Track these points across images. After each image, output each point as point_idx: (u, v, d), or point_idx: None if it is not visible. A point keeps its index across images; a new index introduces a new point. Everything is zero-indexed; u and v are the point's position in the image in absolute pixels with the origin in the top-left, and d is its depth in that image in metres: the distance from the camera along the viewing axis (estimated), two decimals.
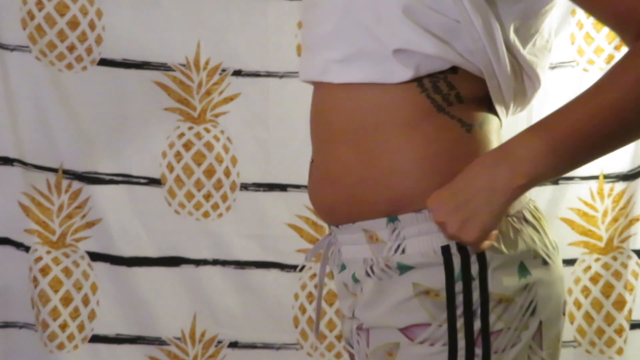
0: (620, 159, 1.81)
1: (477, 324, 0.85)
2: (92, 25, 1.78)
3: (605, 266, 1.85)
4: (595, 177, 1.82)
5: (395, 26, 0.85)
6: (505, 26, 0.87)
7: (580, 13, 1.75)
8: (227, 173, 1.84)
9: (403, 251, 0.88)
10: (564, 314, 0.97)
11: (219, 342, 1.89)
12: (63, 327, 1.86)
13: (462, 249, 0.85)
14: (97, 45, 1.78)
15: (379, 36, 0.87)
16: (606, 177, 1.82)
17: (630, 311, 1.85)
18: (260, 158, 1.83)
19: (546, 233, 0.95)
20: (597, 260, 1.85)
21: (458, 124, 0.89)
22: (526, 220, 0.92)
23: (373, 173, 0.89)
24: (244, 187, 1.85)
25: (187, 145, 1.83)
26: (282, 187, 1.84)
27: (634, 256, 1.84)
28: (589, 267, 1.86)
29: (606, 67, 1.76)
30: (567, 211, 1.83)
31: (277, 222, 1.84)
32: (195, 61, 1.81)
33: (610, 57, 1.76)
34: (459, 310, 0.85)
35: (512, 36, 0.88)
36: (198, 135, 1.83)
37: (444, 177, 0.85)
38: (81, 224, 1.85)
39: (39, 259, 1.83)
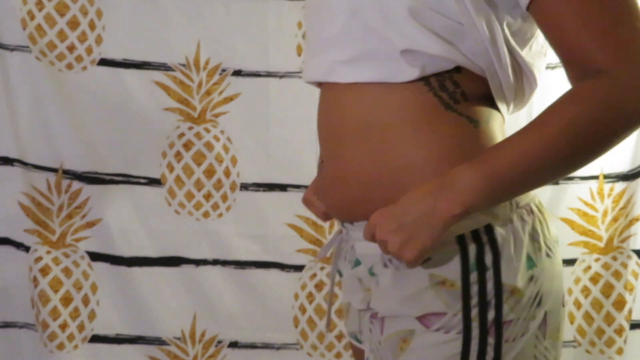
0: (620, 159, 1.81)
1: (490, 314, 0.88)
2: (92, 25, 1.78)
3: (605, 266, 1.85)
4: (595, 177, 1.82)
5: (402, 27, 0.88)
6: (505, 29, 0.90)
7: None
8: (227, 173, 1.84)
9: None
10: (563, 305, 1.01)
11: (219, 342, 1.89)
12: (63, 327, 1.86)
13: (477, 238, 0.89)
14: (97, 45, 1.79)
15: (387, 37, 0.90)
16: (606, 177, 1.82)
17: (630, 311, 1.85)
18: (260, 158, 1.83)
19: (548, 226, 0.98)
20: (597, 260, 1.85)
21: (466, 120, 0.92)
22: (532, 213, 0.95)
23: (387, 171, 0.93)
24: (244, 187, 1.85)
25: (187, 145, 1.83)
26: (282, 187, 1.84)
27: (634, 256, 1.84)
28: (589, 267, 1.86)
29: None
30: (567, 211, 1.83)
31: (277, 222, 1.84)
32: (195, 61, 1.81)
33: None
34: (474, 300, 0.88)
35: (511, 39, 0.91)
36: (198, 135, 1.83)
37: None
38: (81, 224, 1.85)
39: (39, 259, 1.83)
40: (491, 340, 0.88)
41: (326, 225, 1.84)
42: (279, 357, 1.88)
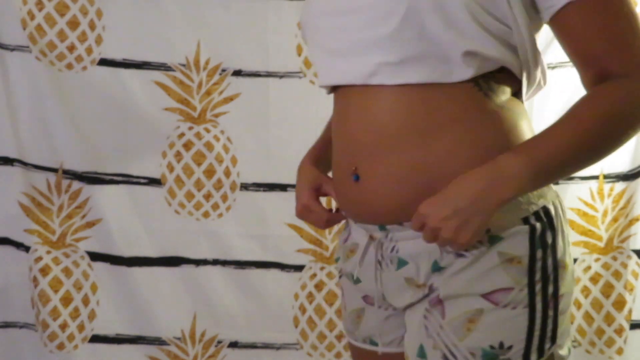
0: (620, 159, 1.81)
1: (550, 288, 0.97)
2: (92, 25, 1.78)
3: (605, 266, 1.85)
4: (595, 177, 1.82)
5: (464, 30, 0.93)
6: (534, 33, 1.00)
7: None
8: (227, 173, 1.84)
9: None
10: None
11: (219, 342, 1.89)
12: (63, 327, 1.86)
13: (539, 218, 0.97)
14: (97, 45, 1.79)
15: (446, 39, 0.94)
16: (606, 177, 1.82)
17: (630, 311, 1.85)
18: (260, 158, 1.83)
19: (564, 210, 1.06)
20: (597, 260, 1.85)
21: (513, 116, 1.00)
22: (557, 196, 1.05)
23: (446, 170, 0.95)
24: (244, 187, 1.85)
25: (187, 145, 1.83)
26: (282, 187, 1.84)
27: (634, 256, 1.84)
28: (589, 267, 1.86)
29: None
30: (568, 211, 1.82)
31: (277, 222, 1.84)
32: (195, 61, 1.81)
33: None
34: (537, 276, 0.96)
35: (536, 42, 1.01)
36: (198, 135, 1.83)
37: None
38: (81, 224, 1.85)
39: (39, 259, 1.83)
40: (551, 312, 0.97)
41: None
42: (279, 357, 1.88)
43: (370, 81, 0.98)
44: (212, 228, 1.85)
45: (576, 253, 1.86)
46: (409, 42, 0.95)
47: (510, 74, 1.00)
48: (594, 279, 1.86)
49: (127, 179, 1.84)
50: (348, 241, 1.15)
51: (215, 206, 1.85)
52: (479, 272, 0.96)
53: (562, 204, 1.03)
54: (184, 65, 1.80)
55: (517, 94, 1.03)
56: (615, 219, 1.84)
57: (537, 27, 0.99)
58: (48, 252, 1.84)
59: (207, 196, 1.84)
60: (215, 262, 1.86)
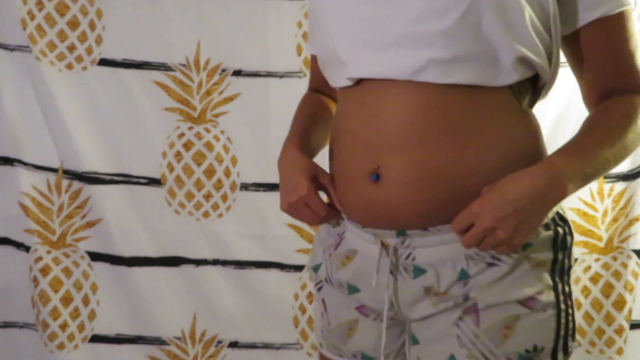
0: None
1: (567, 288, 1.01)
2: (92, 25, 1.78)
3: (605, 266, 1.85)
4: None
5: (522, 35, 0.94)
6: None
7: None
8: (227, 173, 1.84)
9: None
10: None
11: (219, 342, 1.89)
12: (63, 327, 1.86)
13: (558, 223, 1.00)
14: (97, 45, 1.79)
15: (501, 42, 0.93)
16: (606, 177, 1.82)
17: (630, 311, 1.85)
18: (260, 158, 1.83)
19: None
20: (597, 260, 1.85)
21: (535, 122, 1.02)
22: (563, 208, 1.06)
23: (481, 171, 0.95)
24: (244, 187, 1.85)
25: (187, 145, 1.83)
26: None
27: (634, 256, 1.84)
28: (589, 267, 1.86)
29: None
30: (567, 211, 1.82)
31: (277, 222, 1.84)
32: (195, 61, 1.81)
33: None
34: (557, 277, 1.00)
35: None
36: (198, 135, 1.83)
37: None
38: (81, 224, 1.85)
39: (39, 259, 1.83)
40: (570, 311, 1.00)
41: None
42: (279, 357, 1.88)
43: (416, 77, 0.94)
44: (212, 228, 1.85)
45: (576, 253, 1.85)
46: (464, 40, 0.93)
47: (532, 81, 1.01)
48: (594, 279, 1.86)
49: (127, 179, 1.84)
50: (340, 248, 1.08)
51: (215, 206, 1.85)
52: (515, 279, 0.97)
53: (563, 207, 1.04)
54: (184, 65, 1.80)
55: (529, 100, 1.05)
56: (615, 219, 1.84)
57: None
58: (48, 252, 1.84)
59: (207, 196, 1.84)
60: (215, 262, 1.86)
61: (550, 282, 0.99)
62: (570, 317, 1.00)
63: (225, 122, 1.83)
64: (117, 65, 1.79)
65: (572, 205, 1.83)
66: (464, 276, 0.97)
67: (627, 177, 1.82)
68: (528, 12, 0.93)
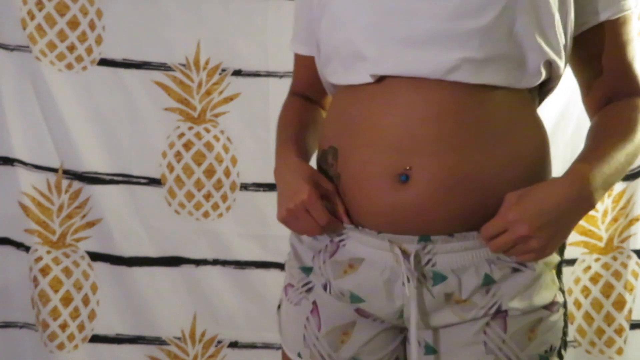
0: None
1: (563, 286, 1.04)
2: (92, 25, 1.78)
3: (605, 266, 1.85)
4: None
5: (551, 38, 0.94)
6: None
7: None
8: (227, 173, 1.84)
9: None
10: None
11: (219, 342, 1.89)
12: (63, 327, 1.86)
13: None
14: (97, 45, 1.79)
15: (532, 44, 0.92)
16: None
17: (630, 311, 1.85)
18: (260, 158, 1.82)
19: None
20: (597, 260, 1.85)
21: (542, 122, 1.02)
22: None
23: (511, 175, 0.94)
24: (244, 187, 1.85)
25: (187, 145, 1.83)
26: None
27: (634, 256, 1.84)
28: (589, 267, 1.86)
29: None
30: None
31: (277, 222, 1.82)
32: (195, 61, 1.80)
33: None
34: (560, 277, 1.02)
35: None
36: (198, 135, 1.83)
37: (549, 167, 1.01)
38: (81, 224, 1.85)
39: (39, 259, 1.83)
40: (566, 307, 1.03)
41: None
42: (278, 357, 1.87)
43: (448, 77, 0.91)
44: (212, 228, 1.85)
45: (576, 253, 1.86)
46: (498, 40, 0.91)
47: (540, 84, 1.01)
48: (594, 279, 1.86)
49: (127, 179, 1.84)
50: (338, 255, 1.03)
51: (215, 206, 1.85)
52: (540, 285, 0.98)
53: None
54: (184, 65, 1.80)
55: None
56: (615, 219, 1.84)
57: None
58: (48, 252, 1.84)
59: (207, 196, 1.84)
60: (215, 262, 1.86)
61: (558, 283, 1.01)
62: (567, 314, 1.03)
63: (225, 122, 1.83)
64: (117, 65, 1.79)
65: None
66: (488, 281, 0.96)
67: (627, 177, 1.82)
68: (557, 16, 0.93)
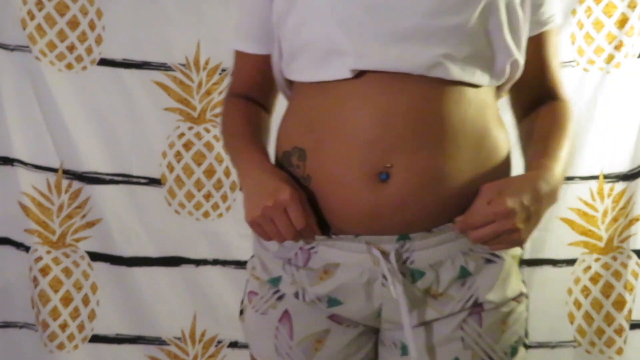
0: (620, 159, 1.81)
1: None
2: (92, 25, 1.78)
3: (605, 266, 1.85)
4: (595, 177, 1.82)
5: (520, 36, 0.98)
6: None
7: (580, 13, 1.75)
8: (227, 173, 1.84)
9: None
10: None
11: (219, 342, 1.89)
12: (63, 327, 1.86)
13: None
14: (97, 45, 1.78)
15: (505, 43, 0.96)
16: (606, 177, 1.82)
17: (630, 311, 1.85)
18: None
19: None
20: (597, 260, 1.85)
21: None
22: None
23: (487, 169, 0.96)
24: None
25: (187, 145, 1.83)
26: None
27: (634, 256, 1.84)
28: (589, 267, 1.86)
29: (606, 67, 1.76)
30: (567, 211, 1.83)
31: None
32: (195, 61, 1.80)
33: (610, 57, 1.76)
34: (520, 268, 1.06)
35: None
36: (198, 135, 1.83)
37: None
38: (81, 224, 1.85)
39: (39, 259, 1.83)
40: None
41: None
42: None
43: (429, 73, 0.91)
44: (212, 228, 1.85)
45: (576, 253, 1.86)
46: (475, 38, 0.93)
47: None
48: (594, 279, 1.86)
49: (127, 179, 1.84)
50: (312, 263, 1.01)
51: (215, 206, 1.85)
52: (509, 277, 1.01)
53: None
54: (184, 65, 1.80)
55: None
56: (615, 219, 1.84)
57: None
58: (48, 252, 1.84)
59: (207, 196, 1.84)
60: (215, 262, 1.86)
61: (521, 275, 1.05)
62: (529, 304, 1.06)
63: None
64: (117, 65, 1.79)
65: (572, 205, 1.83)
66: (464, 273, 0.98)
67: (627, 177, 1.82)
68: (521, 16, 0.97)
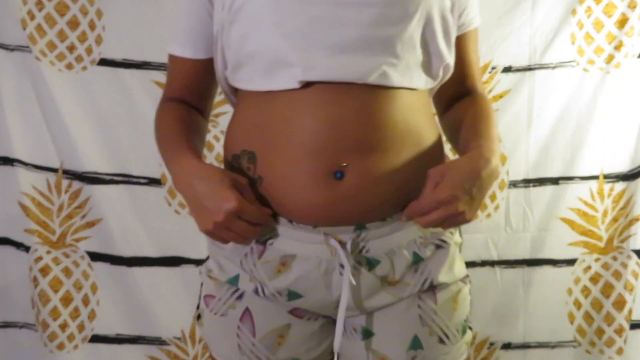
0: (620, 159, 1.81)
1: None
2: (92, 25, 1.78)
3: (605, 266, 1.85)
4: (595, 177, 1.82)
5: (451, 40, 1.04)
6: None
7: (581, 13, 1.75)
8: None
9: None
10: None
11: None
12: (63, 327, 1.86)
13: None
14: (97, 45, 1.79)
15: (439, 49, 1.02)
16: (606, 177, 1.82)
17: (630, 311, 1.85)
18: None
19: None
20: (597, 260, 1.85)
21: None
22: None
23: (428, 161, 1.02)
24: None
25: None
26: None
27: (634, 256, 1.84)
28: (589, 267, 1.86)
29: (606, 67, 1.76)
30: (567, 211, 1.83)
31: None
32: None
33: (610, 57, 1.76)
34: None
35: None
36: None
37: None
38: (81, 224, 1.85)
39: (39, 259, 1.83)
40: None
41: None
42: None
43: (372, 81, 0.96)
44: None
45: (576, 253, 1.86)
46: (415, 45, 0.99)
47: None
48: (594, 279, 1.86)
49: (127, 179, 1.83)
50: (267, 255, 1.03)
51: None
52: (456, 260, 1.08)
53: None
54: None
55: None
56: (615, 219, 1.84)
57: None
58: (48, 252, 1.84)
59: None
60: None
61: (463, 260, 1.12)
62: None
63: (225, 122, 1.81)
64: (117, 65, 1.79)
65: (572, 205, 1.83)
66: (417, 259, 1.04)
67: (627, 177, 1.82)
68: (451, 22, 1.03)
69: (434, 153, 1.06)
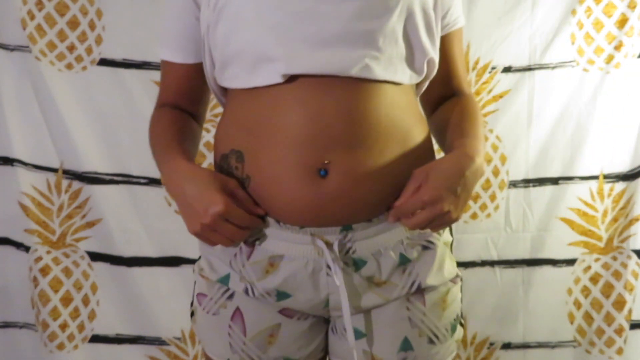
0: (620, 159, 1.81)
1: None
2: (92, 25, 1.78)
3: (605, 266, 1.86)
4: (595, 177, 1.82)
5: (434, 36, 1.04)
6: None
7: (580, 13, 1.75)
8: None
9: None
10: None
11: None
12: (63, 327, 1.86)
13: None
14: (97, 45, 1.79)
15: (421, 44, 1.02)
16: (606, 177, 1.82)
17: (630, 311, 1.85)
18: None
19: None
20: (597, 260, 1.85)
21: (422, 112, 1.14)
22: None
23: (415, 160, 1.01)
24: None
25: None
26: None
27: (634, 256, 1.84)
28: (589, 267, 1.86)
29: (606, 67, 1.76)
30: (567, 211, 1.83)
31: None
32: None
33: (610, 57, 1.76)
34: (452, 253, 1.13)
35: None
36: None
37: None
38: (81, 224, 1.85)
39: (39, 259, 1.83)
40: None
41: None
42: None
43: (355, 74, 0.96)
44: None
45: (576, 253, 1.86)
46: (397, 39, 0.99)
47: None
48: (594, 279, 1.86)
49: (127, 179, 1.84)
50: (256, 256, 1.03)
51: None
52: (444, 260, 1.07)
53: None
54: None
55: None
56: (615, 219, 1.84)
57: None
58: (48, 252, 1.84)
59: None
60: None
61: (454, 259, 1.11)
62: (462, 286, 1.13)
63: None
64: (117, 65, 1.79)
65: (572, 205, 1.83)
66: (404, 261, 1.03)
67: (627, 177, 1.82)
68: (433, 17, 1.03)
69: (422, 152, 1.04)
